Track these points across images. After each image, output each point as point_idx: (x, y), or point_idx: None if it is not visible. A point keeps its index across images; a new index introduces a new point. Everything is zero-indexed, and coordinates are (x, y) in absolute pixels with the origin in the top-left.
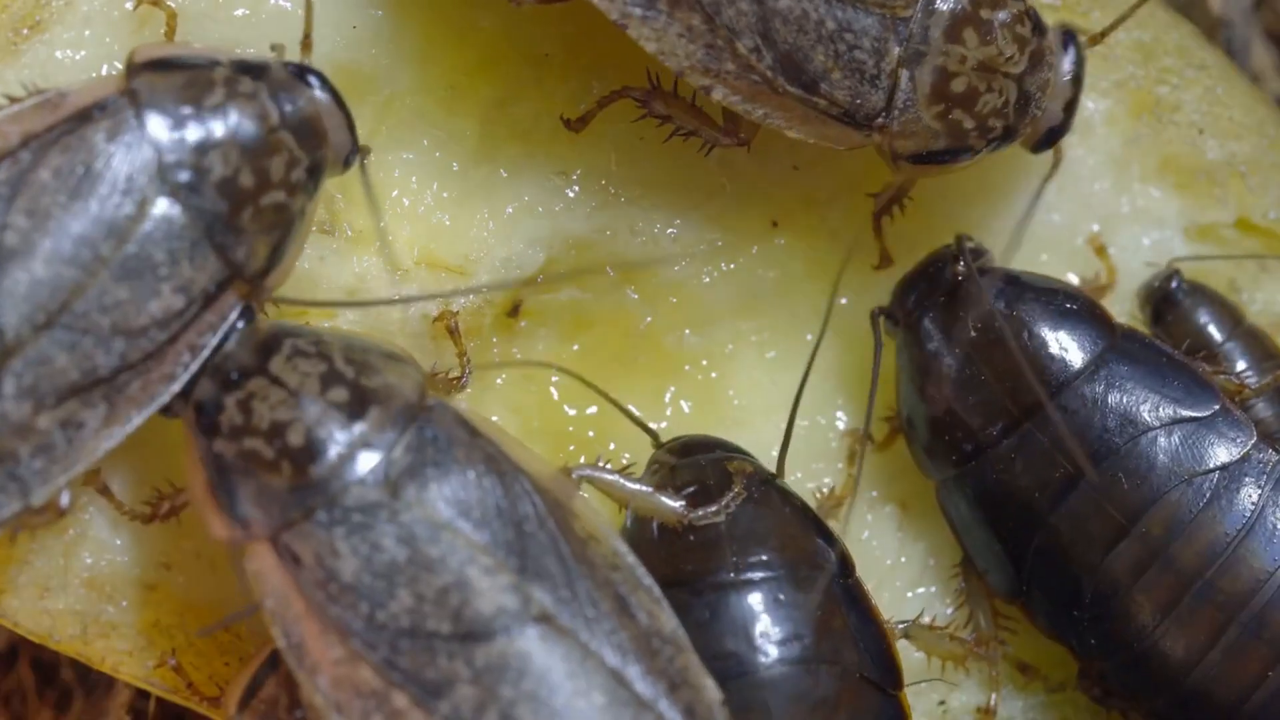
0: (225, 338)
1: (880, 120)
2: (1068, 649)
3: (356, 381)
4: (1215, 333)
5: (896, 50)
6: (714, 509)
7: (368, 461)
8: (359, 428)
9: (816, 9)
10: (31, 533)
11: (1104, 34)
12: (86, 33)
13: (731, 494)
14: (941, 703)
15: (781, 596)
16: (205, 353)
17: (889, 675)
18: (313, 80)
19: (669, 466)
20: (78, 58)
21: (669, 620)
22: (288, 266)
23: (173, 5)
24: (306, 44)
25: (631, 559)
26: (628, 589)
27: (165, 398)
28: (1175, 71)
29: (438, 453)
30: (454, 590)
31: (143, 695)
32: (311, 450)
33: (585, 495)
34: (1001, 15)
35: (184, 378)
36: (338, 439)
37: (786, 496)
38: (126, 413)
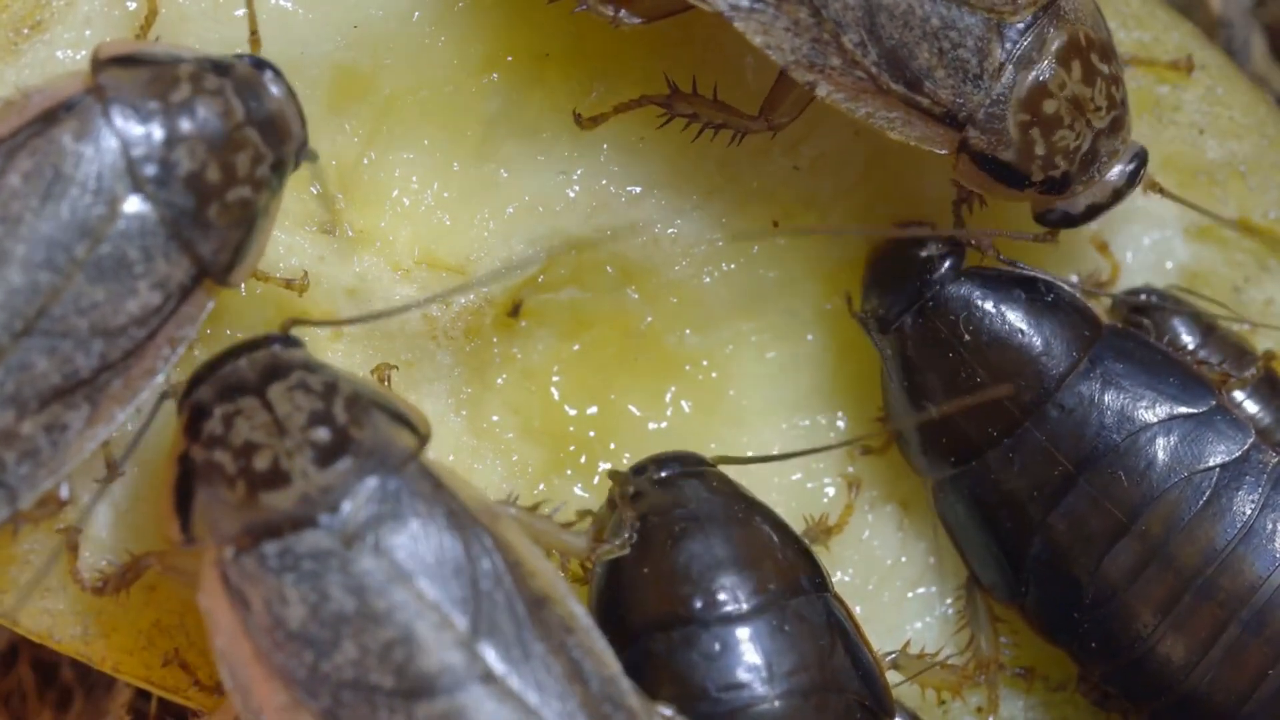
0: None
1: None
2: (1067, 653)
3: (345, 429)
4: (1188, 343)
5: (999, 52)
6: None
7: (324, 508)
8: (326, 473)
9: (922, 5)
10: (35, 525)
11: (1158, 190)
12: (86, 33)
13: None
14: (942, 703)
15: (787, 626)
16: (183, 346)
17: (883, 703)
18: (268, 73)
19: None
20: (78, 58)
21: (623, 685)
22: (250, 264)
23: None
24: (254, 40)
25: (587, 622)
26: (581, 653)
27: (146, 393)
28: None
29: (399, 506)
30: (399, 645)
31: (143, 695)
32: (270, 479)
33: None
34: (1105, 68)
35: (165, 370)
36: (300, 477)
37: (774, 520)
38: (109, 411)
